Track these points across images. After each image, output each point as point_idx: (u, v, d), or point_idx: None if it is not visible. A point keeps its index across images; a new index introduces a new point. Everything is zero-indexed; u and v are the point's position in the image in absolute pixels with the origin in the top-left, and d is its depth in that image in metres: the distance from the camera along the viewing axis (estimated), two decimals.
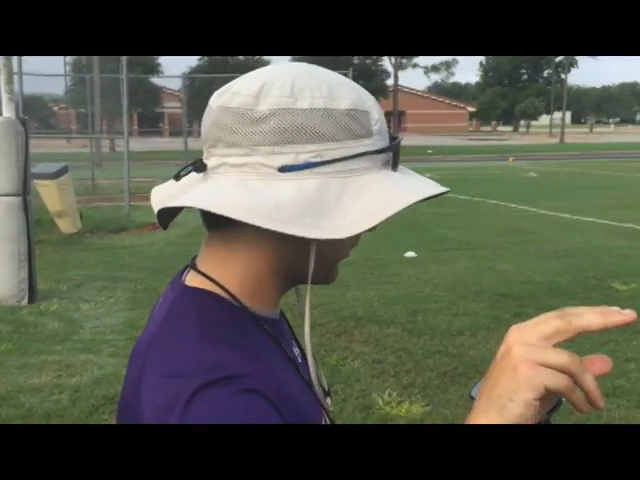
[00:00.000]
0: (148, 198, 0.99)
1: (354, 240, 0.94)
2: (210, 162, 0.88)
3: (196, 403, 0.76)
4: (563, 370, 0.68)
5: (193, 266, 0.94)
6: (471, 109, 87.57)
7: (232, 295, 0.89)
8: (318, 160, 0.84)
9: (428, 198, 0.91)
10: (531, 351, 0.69)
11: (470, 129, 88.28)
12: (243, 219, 0.80)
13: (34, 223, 7.29)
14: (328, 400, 1.02)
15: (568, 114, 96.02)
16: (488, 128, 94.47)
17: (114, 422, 0.91)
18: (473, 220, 12.82)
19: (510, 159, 32.51)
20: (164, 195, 0.93)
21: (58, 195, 10.58)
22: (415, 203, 0.87)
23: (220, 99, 0.87)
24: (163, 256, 9.18)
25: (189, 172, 0.90)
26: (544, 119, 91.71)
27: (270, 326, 0.92)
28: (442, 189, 0.92)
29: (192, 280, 0.92)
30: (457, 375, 4.96)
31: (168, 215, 0.96)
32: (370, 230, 0.91)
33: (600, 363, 0.73)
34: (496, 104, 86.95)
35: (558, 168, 27.26)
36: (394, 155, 0.91)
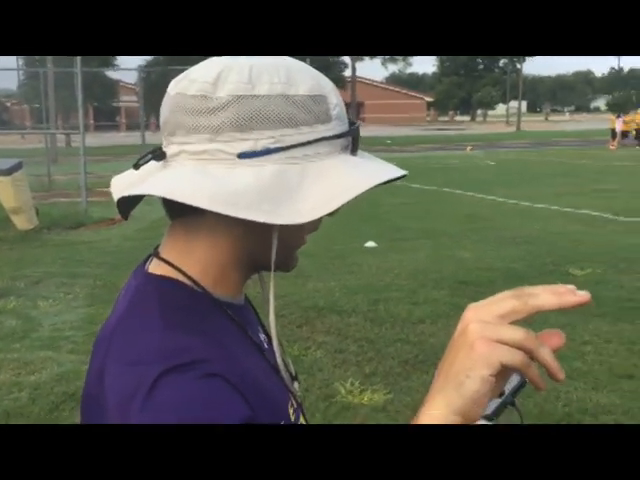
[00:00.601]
0: (105, 194, 0.98)
1: (313, 226, 0.94)
2: (169, 150, 0.87)
3: (158, 390, 0.76)
4: (519, 346, 0.69)
5: (156, 254, 0.93)
6: (429, 99, 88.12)
7: (195, 282, 0.89)
8: (277, 146, 0.84)
9: (388, 181, 0.92)
10: (486, 328, 0.70)
11: (428, 119, 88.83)
12: (202, 206, 0.80)
13: None
14: (296, 384, 1.02)
15: (524, 103, 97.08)
16: (446, 118, 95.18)
17: (75, 419, 0.91)
18: (432, 209, 12.92)
19: (468, 148, 32.79)
20: (124, 184, 0.92)
21: (13, 191, 10.40)
22: (374, 186, 0.88)
23: (178, 86, 0.87)
24: (122, 251, 9.08)
25: (148, 161, 0.89)
26: (500, 108, 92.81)
27: (234, 312, 0.93)
28: (401, 172, 0.93)
29: (155, 268, 0.92)
30: (418, 363, 5.01)
31: (128, 205, 0.96)
32: (331, 215, 0.91)
33: (555, 338, 0.74)
34: (453, 94, 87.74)
35: (515, 156, 27.59)
36: (353, 140, 0.91)
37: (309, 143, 0.86)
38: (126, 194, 0.87)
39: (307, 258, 8.51)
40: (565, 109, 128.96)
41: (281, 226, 0.86)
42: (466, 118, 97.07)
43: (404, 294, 6.78)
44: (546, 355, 0.70)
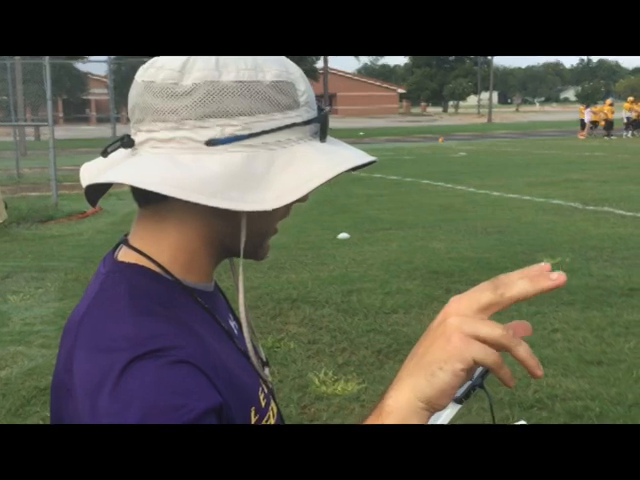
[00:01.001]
0: (76, 187, 0.98)
1: (283, 213, 0.95)
2: (137, 137, 0.87)
3: (127, 376, 0.77)
4: (496, 343, 0.71)
5: (125, 242, 0.93)
6: (401, 91, 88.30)
7: (164, 269, 0.89)
8: (245, 133, 0.85)
9: (356, 168, 0.93)
10: (465, 322, 0.72)
11: (401, 111, 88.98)
12: (169, 193, 0.80)
13: None
14: (267, 370, 1.03)
15: (495, 94, 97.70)
16: (418, 109, 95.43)
17: (47, 412, 0.90)
18: (405, 200, 12.96)
19: (440, 139, 32.97)
20: (92, 172, 0.92)
21: None
22: (342, 173, 0.88)
23: (145, 73, 0.87)
24: (93, 244, 9.01)
25: (117, 148, 0.89)
26: (472, 100, 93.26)
27: (204, 298, 0.93)
28: (369, 158, 0.94)
29: (124, 256, 0.92)
30: (391, 352, 5.04)
31: (97, 193, 0.96)
32: (302, 200, 0.92)
33: (522, 329, 0.77)
34: (425, 85, 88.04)
35: (487, 147, 27.78)
36: (322, 126, 0.92)
37: (277, 130, 0.86)
38: (94, 182, 0.87)
39: (280, 250, 8.52)
40: (535, 100, 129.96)
41: (249, 213, 0.86)
42: (438, 110, 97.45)
43: (377, 285, 6.81)
44: (523, 352, 0.72)
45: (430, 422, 1.05)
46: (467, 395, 1.04)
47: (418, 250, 8.32)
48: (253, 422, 0.90)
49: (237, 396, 0.86)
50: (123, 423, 0.74)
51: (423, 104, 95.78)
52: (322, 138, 0.92)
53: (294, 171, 0.86)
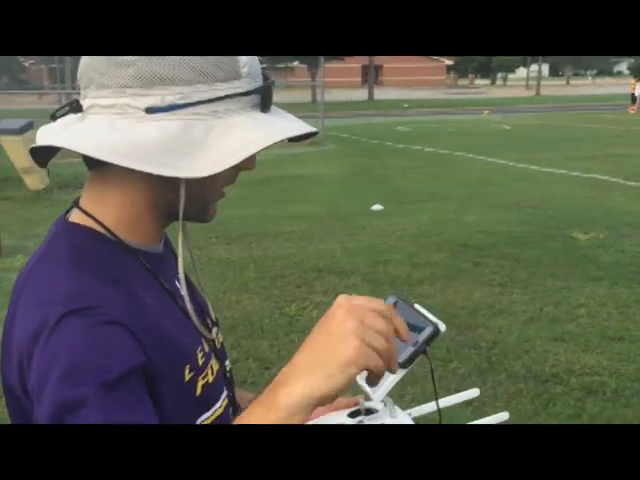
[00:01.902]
0: None
1: (225, 179, 0.98)
2: (84, 103, 0.92)
3: (57, 331, 0.81)
4: (381, 353, 0.81)
5: (75, 203, 0.98)
6: (448, 62, 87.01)
7: (108, 229, 0.93)
8: (184, 102, 0.88)
9: (296, 139, 0.96)
10: (365, 334, 0.80)
11: (447, 82, 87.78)
12: (102, 158, 0.84)
13: None
14: (215, 330, 1.07)
15: (545, 67, 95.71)
16: (466, 81, 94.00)
17: None
18: (441, 172, 12.87)
19: (485, 112, 32.51)
20: (44, 135, 0.95)
21: (24, 151, 10.46)
22: (277, 142, 0.91)
23: None
24: None
25: (65, 113, 0.93)
26: (521, 72, 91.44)
27: (149, 259, 0.97)
28: (309, 129, 0.96)
29: (74, 217, 0.96)
30: None
31: (46, 155, 0.99)
32: (247, 168, 0.96)
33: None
34: (473, 57, 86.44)
35: (531, 121, 27.33)
36: (263, 97, 0.94)
37: (215, 100, 0.89)
38: (36, 145, 0.91)
39: (312, 221, 8.58)
40: (588, 73, 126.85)
41: (190, 179, 0.90)
42: (486, 82, 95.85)
43: (404, 256, 6.82)
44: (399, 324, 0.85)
45: (374, 387, 1.10)
46: (411, 360, 1.07)
47: (449, 223, 8.29)
48: (187, 379, 0.93)
49: (168, 354, 0.90)
50: (49, 378, 0.79)
51: (471, 76, 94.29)
52: (263, 109, 0.94)
53: (229, 140, 0.89)
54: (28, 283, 0.91)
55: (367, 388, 1.11)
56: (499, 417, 1.21)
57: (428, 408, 1.17)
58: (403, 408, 1.18)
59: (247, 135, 0.90)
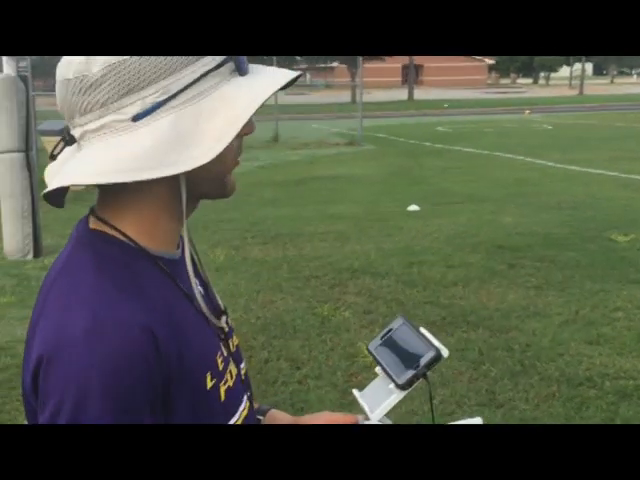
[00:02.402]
0: None
1: (233, 150, 0.97)
2: (75, 133, 0.92)
3: (78, 344, 0.83)
4: None
5: (92, 211, 0.98)
6: (490, 62, 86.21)
7: (128, 237, 0.94)
8: (164, 97, 0.88)
9: (282, 88, 0.96)
10: None
11: (489, 82, 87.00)
12: (111, 181, 0.85)
13: (37, 179, 7.39)
14: (224, 319, 1.07)
15: (589, 65, 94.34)
16: (507, 81, 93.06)
17: None
18: (480, 173, 12.77)
19: (526, 112, 32.16)
20: (50, 176, 0.96)
21: None
22: (265, 100, 0.91)
23: (59, 72, 0.91)
24: None
25: (62, 149, 0.94)
26: (564, 71, 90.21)
27: (168, 265, 0.97)
28: (292, 74, 0.95)
29: (93, 223, 0.96)
30: (445, 324, 5.05)
31: (58, 195, 0.99)
32: (247, 133, 0.95)
33: None
34: (515, 56, 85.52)
35: (574, 120, 26.94)
36: (236, 62, 0.93)
37: (193, 83, 0.89)
38: (45, 191, 0.92)
39: (348, 221, 8.59)
40: (633, 71, 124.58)
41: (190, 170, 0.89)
42: (528, 81, 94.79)
43: (439, 257, 6.79)
44: None
45: (373, 409, 1.11)
46: (410, 383, 1.08)
47: (486, 224, 8.22)
48: (209, 387, 0.94)
49: (189, 363, 0.91)
50: (63, 391, 0.82)
51: (513, 75, 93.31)
52: (241, 72, 0.93)
53: (221, 115, 0.89)
54: (53, 290, 0.91)
55: (366, 407, 1.12)
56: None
57: None
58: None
59: (235, 106, 0.90)
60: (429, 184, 11.67)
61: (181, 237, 1.05)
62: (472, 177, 12.29)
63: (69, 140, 0.93)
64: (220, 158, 0.90)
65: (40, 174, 8.66)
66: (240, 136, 0.95)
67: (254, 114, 0.91)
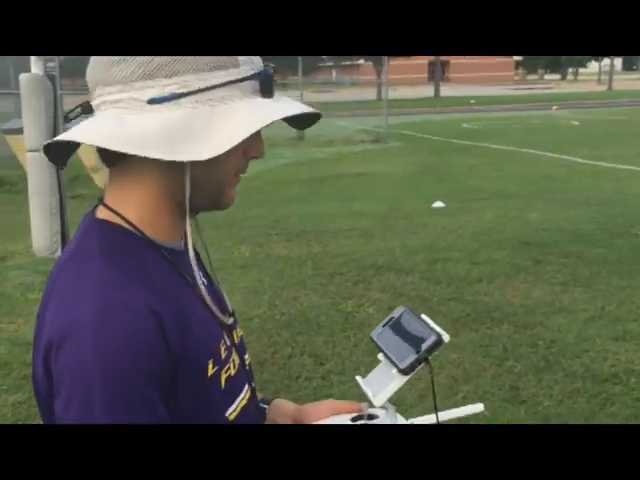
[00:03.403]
0: None
1: (236, 165, 1.00)
2: (94, 102, 0.96)
3: (88, 329, 0.85)
4: None
5: (101, 200, 1.01)
6: (517, 58, 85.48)
7: (134, 226, 0.97)
8: (183, 91, 0.92)
9: (299, 125, 1.01)
10: None
11: (516, 78, 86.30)
12: (109, 147, 0.88)
13: (65, 177, 7.47)
14: (231, 319, 1.09)
15: (619, 60, 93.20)
16: (535, 77, 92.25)
17: None
18: (507, 170, 12.69)
19: (554, 108, 31.86)
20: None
21: (92, 150, 10.74)
22: (285, 121, 0.96)
23: None
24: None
25: (78, 114, 0.98)
26: (593, 66, 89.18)
27: (172, 255, 1.00)
28: (308, 110, 0.98)
29: (101, 214, 1.00)
30: (469, 321, 5.03)
31: (62, 154, 1.03)
32: (256, 157, 1.00)
33: None
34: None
35: (602, 116, 26.63)
36: (262, 83, 0.96)
37: (214, 87, 0.93)
38: (47, 142, 0.95)
39: (373, 218, 8.58)
40: None
41: (195, 167, 0.93)
42: (556, 77, 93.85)
43: (465, 254, 6.76)
44: None
45: (376, 394, 1.12)
46: (412, 367, 1.09)
47: (512, 220, 8.17)
48: (210, 374, 0.96)
49: (193, 348, 0.93)
50: (76, 377, 0.84)
51: (540, 71, 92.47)
52: (265, 94, 0.97)
53: (231, 123, 0.92)
54: (62, 277, 0.94)
55: (369, 393, 1.13)
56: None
57: (431, 419, 1.18)
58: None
59: (247, 117, 0.93)
60: (455, 181, 11.63)
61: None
62: (499, 174, 12.22)
63: (86, 109, 0.97)
64: (221, 166, 0.95)
65: (68, 172, 8.74)
66: (248, 158, 0.99)
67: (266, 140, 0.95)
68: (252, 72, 0.96)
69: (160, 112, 0.91)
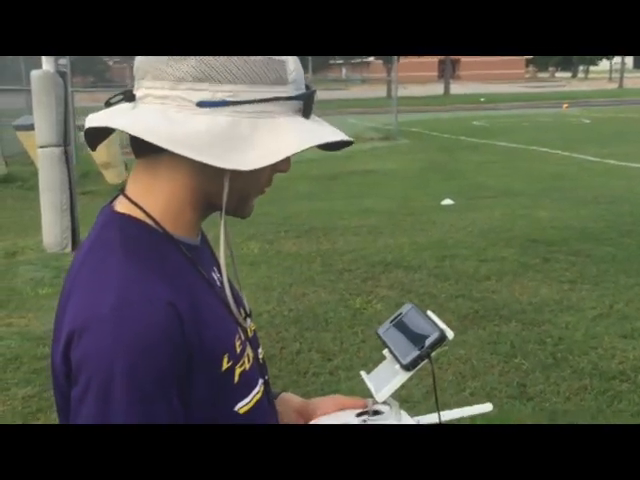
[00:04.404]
0: None
1: (265, 178, 1.03)
2: (138, 92, 0.97)
3: (108, 322, 0.87)
4: None
5: (122, 191, 1.03)
6: (528, 56, 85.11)
7: (154, 220, 0.99)
8: (233, 99, 0.93)
9: (334, 147, 1.02)
10: None
11: (527, 76, 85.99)
12: (155, 142, 0.90)
13: (75, 174, 7.51)
14: (248, 321, 1.12)
15: (630, 59, 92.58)
16: (546, 74, 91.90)
17: None
18: (515, 167, 12.67)
19: (564, 106, 31.77)
20: (95, 119, 1.00)
21: (103, 147, 10.60)
22: (317, 146, 0.97)
23: None
24: None
25: (119, 101, 0.99)
26: (604, 64, 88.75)
27: (189, 251, 1.02)
28: (346, 138, 1.01)
29: (119, 206, 1.01)
30: (477, 318, 5.04)
31: (98, 138, 1.06)
32: (282, 171, 1.02)
33: None
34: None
35: (613, 114, 26.53)
36: (305, 103, 0.99)
37: (262, 101, 0.95)
38: (90, 125, 0.97)
39: (382, 215, 8.59)
40: None
41: (233, 173, 0.95)
42: (567, 75, 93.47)
43: (472, 251, 6.76)
44: None
45: (380, 388, 1.14)
46: (414, 364, 1.11)
47: (520, 218, 8.17)
48: (225, 368, 0.98)
49: (208, 342, 0.95)
50: (95, 366, 0.86)
51: (551, 69, 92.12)
52: (305, 115, 1.00)
53: (274, 138, 0.94)
54: (83, 271, 0.96)
55: (372, 388, 1.15)
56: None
57: (436, 418, 1.19)
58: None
59: (291, 135, 0.95)
60: (464, 178, 11.62)
61: (201, 227, 1.10)
62: (508, 171, 12.21)
63: (129, 97, 0.97)
64: (255, 176, 0.97)
65: (78, 169, 8.81)
66: (275, 171, 1.02)
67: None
68: (298, 92, 0.98)
69: (207, 116, 0.93)
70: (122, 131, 0.93)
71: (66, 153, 7.29)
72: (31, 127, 10.66)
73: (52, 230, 7.29)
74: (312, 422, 1.22)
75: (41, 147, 7.34)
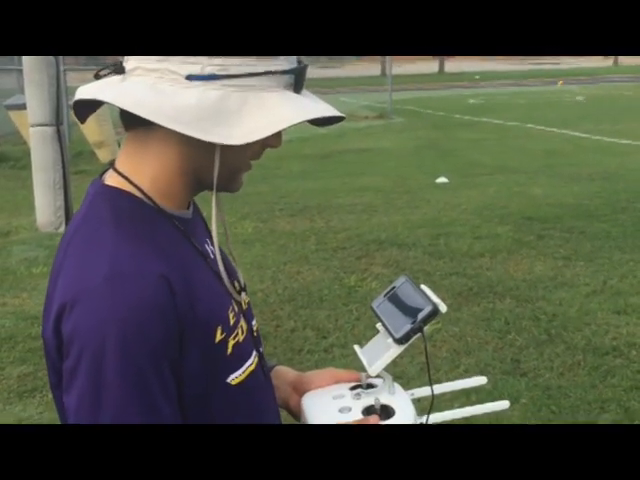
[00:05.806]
0: None
1: (254, 153, 1.02)
2: (128, 65, 0.96)
3: (99, 294, 0.87)
4: None
5: (111, 165, 1.02)
6: (524, 55, 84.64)
7: (145, 194, 0.98)
8: (223, 73, 0.92)
9: (324, 123, 1.01)
10: None
11: None
12: (143, 115, 0.89)
13: (68, 153, 7.47)
14: (243, 294, 1.11)
15: None
16: None
17: None
18: (510, 145, 12.65)
19: (559, 83, 31.67)
20: (84, 91, 0.99)
21: (96, 126, 10.74)
22: (307, 120, 0.96)
23: None
24: None
25: (108, 73, 0.98)
26: None
27: (181, 224, 1.01)
28: (338, 113, 0.99)
29: (110, 179, 1.00)
30: (471, 295, 5.05)
31: (87, 110, 1.04)
32: (273, 146, 1.00)
33: None
34: None
35: (608, 91, 26.47)
36: (297, 78, 0.97)
37: (253, 75, 0.93)
38: (79, 98, 0.96)
39: (376, 193, 8.58)
40: None
41: (222, 147, 0.94)
42: None
43: (467, 229, 6.76)
44: None
45: (373, 362, 1.13)
46: (407, 337, 1.11)
47: (515, 195, 8.16)
48: (218, 339, 0.97)
49: (202, 314, 0.95)
50: (86, 338, 0.86)
51: None
52: (296, 90, 0.98)
53: (264, 113, 0.92)
54: (74, 244, 0.95)
55: (365, 362, 1.14)
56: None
57: (430, 392, 1.19)
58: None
59: (281, 110, 0.93)
60: (458, 156, 11.59)
61: (193, 199, 1.09)
62: (502, 149, 12.19)
63: (118, 69, 0.96)
64: (244, 150, 0.95)
65: (71, 148, 8.78)
66: (265, 145, 1.00)
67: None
68: (290, 66, 0.96)
69: (196, 89, 0.91)
70: (112, 105, 0.92)
71: (59, 132, 7.28)
72: (23, 106, 10.63)
73: (45, 210, 7.29)
74: (306, 395, 1.22)
75: (33, 126, 7.30)
